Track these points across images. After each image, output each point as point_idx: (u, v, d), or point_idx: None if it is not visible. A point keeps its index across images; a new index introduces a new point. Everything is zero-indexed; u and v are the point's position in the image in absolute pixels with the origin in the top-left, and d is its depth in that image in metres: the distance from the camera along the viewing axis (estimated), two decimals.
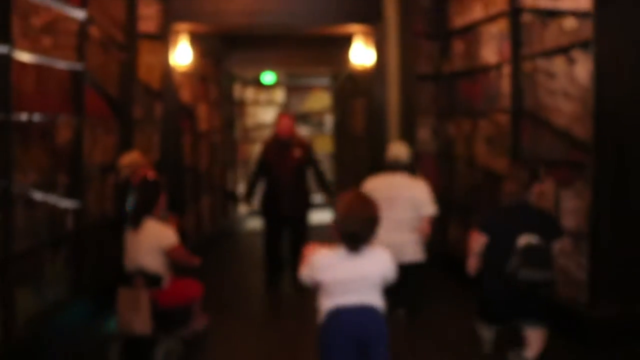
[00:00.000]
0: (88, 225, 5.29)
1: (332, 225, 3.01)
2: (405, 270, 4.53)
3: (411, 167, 5.20)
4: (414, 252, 4.98)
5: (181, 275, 4.67)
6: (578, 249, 4.71)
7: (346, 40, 8.85)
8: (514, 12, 5.44)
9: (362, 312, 3.01)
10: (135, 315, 4.15)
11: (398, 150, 5.12)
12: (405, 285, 4.51)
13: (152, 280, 4.30)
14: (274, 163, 6.37)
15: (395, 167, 5.05)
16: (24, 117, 4.33)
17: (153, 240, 4.40)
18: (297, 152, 6.37)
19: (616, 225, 4.53)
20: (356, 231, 2.94)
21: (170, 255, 4.44)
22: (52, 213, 4.81)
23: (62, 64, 4.82)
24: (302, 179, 6.42)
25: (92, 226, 5.36)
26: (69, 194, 5.01)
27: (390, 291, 3.33)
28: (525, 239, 3.96)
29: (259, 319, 5.70)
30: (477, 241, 4.26)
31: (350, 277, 2.99)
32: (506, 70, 5.64)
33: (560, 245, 4.32)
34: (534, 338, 4.11)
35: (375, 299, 3.07)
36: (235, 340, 4.95)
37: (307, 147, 6.51)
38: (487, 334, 4.45)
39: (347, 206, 2.99)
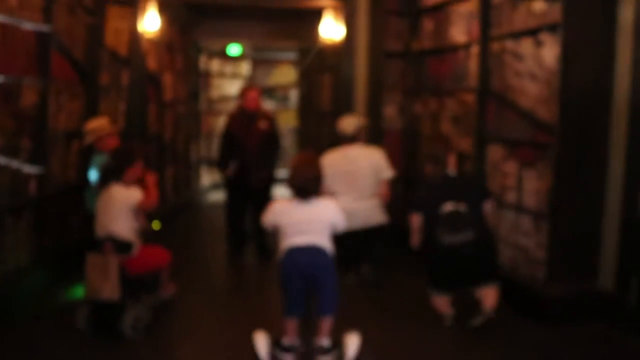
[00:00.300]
0: (51, 191, 5.23)
1: (286, 181, 3.89)
2: (372, 234, 5.40)
3: (364, 138, 5.65)
4: (378, 216, 5.44)
5: (149, 243, 4.66)
6: (538, 229, 4.83)
7: (314, 15, 8.80)
8: None
9: (311, 251, 3.81)
10: (104, 281, 4.13)
11: (344, 123, 5.57)
12: (372, 245, 5.48)
13: (122, 246, 4.28)
14: (240, 135, 6.36)
15: (343, 140, 5.50)
16: None
17: (121, 204, 4.37)
18: (262, 124, 6.39)
19: (575, 206, 4.66)
20: (304, 185, 3.82)
21: (140, 209, 4.41)
22: (15, 178, 4.74)
23: (28, 25, 4.71)
24: (267, 151, 6.42)
25: (55, 192, 5.29)
26: (32, 159, 4.94)
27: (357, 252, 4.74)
28: (447, 207, 4.41)
29: (221, 290, 5.72)
30: (415, 221, 4.67)
31: (301, 220, 3.83)
32: (474, 50, 5.70)
33: (489, 206, 4.67)
34: (485, 294, 4.45)
35: (323, 241, 3.85)
36: (200, 309, 4.96)
37: (272, 120, 6.56)
38: (440, 301, 4.64)
39: (297, 166, 3.91)
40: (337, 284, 3.90)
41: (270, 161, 6.46)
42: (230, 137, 6.44)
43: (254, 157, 6.28)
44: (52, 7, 4.98)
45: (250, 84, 8.19)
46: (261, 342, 3.89)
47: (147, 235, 4.71)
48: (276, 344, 3.92)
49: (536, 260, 4.84)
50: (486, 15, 5.49)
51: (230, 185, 6.57)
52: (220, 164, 6.56)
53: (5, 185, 4.58)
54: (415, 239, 4.70)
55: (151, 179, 4.65)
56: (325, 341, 3.88)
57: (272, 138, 6.49)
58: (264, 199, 6.23)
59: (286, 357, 3.88)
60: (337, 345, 3.91)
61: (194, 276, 5.84)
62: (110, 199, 4.37)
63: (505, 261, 5.21)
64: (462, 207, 4.40)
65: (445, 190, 4.55)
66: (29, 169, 4.91)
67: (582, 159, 4.63)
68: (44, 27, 4.90)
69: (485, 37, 5.50)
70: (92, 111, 5.86)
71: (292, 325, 3.89)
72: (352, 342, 3.89)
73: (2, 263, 4.58)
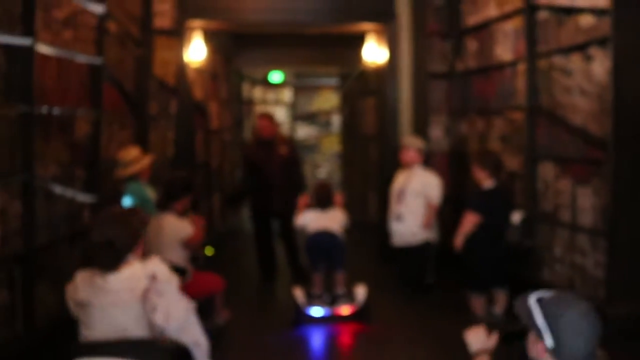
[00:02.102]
0: None
1: (308, 195, 5.85)
2: (413, 251, 5.90)
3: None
4: (421, 234, 5.84)
5: (202, 270, 4.69)
6: (595, 247, 4.72)
7: (355, 40, 8.85)
8: (529, 10, 5.44)
9: (326, 234, 5.50)
10: None
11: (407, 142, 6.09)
12: (413, 263, 5.96)
13: (176, 273, 4.30)
14: (260, 163, 6.48)
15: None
16: (44, 110, 4.35)
17: (171, 235, 4.42)
18: (282, 150, 6.52)
19: (633, 223, 4.53)
20: (322, 199, 5.66)
21: (188, 245, 4.46)
22: (70, 207, 4.83)
23: (81, 58, 4.84)
24: (289, 176, 6.49)
25: None
26: (86, 188, 5.03)
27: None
28: (518, 215, 4.93)
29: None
30: (471, 221, 4.92)
31: (321, 222, 5.55)
32: (521, 67, 5.65)
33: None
34: (502, 297, 5.06)
35: (336, 228, 5.54)
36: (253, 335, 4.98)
37: (291, 145, 6.73)
38: (479, 303, 5.05)
39: (317, 188, 5.85)
40: (345, 250, 5.58)
41: (292, 185, 6.49)
42: (251, 166, 6.57)
43: (276, 183, 6.35)
44: (104, 40, 5.10)
45: (262, 112, 8.39)
46: (298, 293, 5.39)
47: (200, 262, 4.75)
48: (308, 294, 5.47)
49: (595, 280, 4.71)
50: (532, 32, 5.45)
51: (254, 212, 6.68)
52: (230, 200, 6.77)
53: (61, 214, 4.67)
54: (460, 241, 4.95)
55: (200, 221, 4.72)
56: (340, 290, 5.55)
57: (292, 163, 6.59)
58: (290, 222, 6.25)
59: (315, 302, 5.41)
60: (350, 293, 5.49)
61: (245, 300, 5.89)
62: (161, 229, 4.43)
63: (560, 280, 5.09)
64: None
65: (503, 198, 5.08)
66: (82, 197, 5.00)
67: (639, 174, 4.51)
68: (96, 60, 5.02)
69: (532, 54, 5.45)
70: (142, 140, 5.96)
71: (318, 279, 5.58)
72: (361, 291, 5.40)
73: (60, 291, 4.65)
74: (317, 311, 5.37)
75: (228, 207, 6.88)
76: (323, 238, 5.50)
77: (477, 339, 2.41)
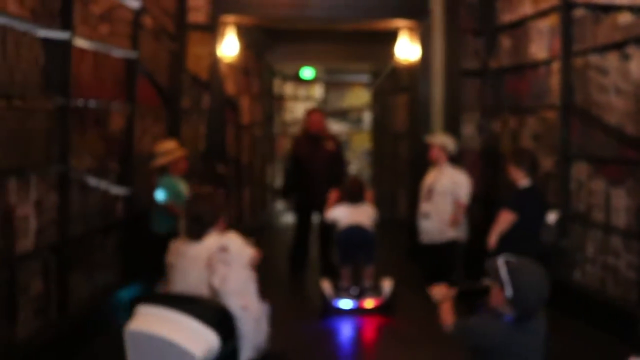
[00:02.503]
0: (137, 212, 5.38)
1: (339, 190, 5.78)
2: (440, 249, 5.80)
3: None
4: (448, 232, 5.74)
5: None
6: (629, 249, 4.65)
7: (386, 37, 8.81)
8: (566, 7, 5.38)
9: (358, 228, 5.54)
10: None
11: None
12: (439, 261, 5.81)
13: None
14: (305, 158, 6.52)
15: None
16: (80, 103, 4.43)
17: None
18: (329, 146, 6.56)
19: None
20: (353, 194, 5.66)
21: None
22: (104, 199, 4.90)
23: (117, 52, 4.91)
24: (333, 173, 6.50)
25: (140, 213, 5.44)
26: (120, 180, 5.11)
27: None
28: (553, 215, 4.68)
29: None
30: (507, 220, 4.70)
31: (352, 217, 5.58)
32: (556, 66, 5.58)
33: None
34: None
35: (367, 223, 5.58)
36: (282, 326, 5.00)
37: (337, 142, 6.76)
38: None
39: (350, 184, 5.86)
40: (375, 245, 5.67)
41: (335, 181, 6.49)
42: (296, 161, 6.61)
43: (320, 179, 6.36)
44: (139, 35, 5.17)
45: (313, 107, 8.38)
46: (326, 285, 5.49)
47: None
48: (336, 287, 5.56)
49: (627, 281, 4.65)
50: (568, 30, 5.38)
51: (297, 205, 6.76)
52: (284, 192, 6.80)
53: (96, 206, 4.75)
54: (494, 240, 4.73)
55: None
56: (367, 283, 5.61)
57: (338, 159, 6.62)
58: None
59: (342, 295, 5.49)
60: (377, 286, 5.57)
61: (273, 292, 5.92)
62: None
63: (592, 282, 5.04)
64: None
65: (540, 198, 4.83)
66: (116, 190, 5.08)
67: None
68: (131, 54, 5.09)
69: (567, 52, 5.38)
70: (174, 134, 6.02)
71: (346, 273, 5.63)
72: (387, 285, 5.48)
73: (92, 281, 4.73)
74: (344, 303, 5.43)
75: (281, 199, 6.99)
76: (355, 232, 5.55)
77: (440, 291, 3.02)
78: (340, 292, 5.54)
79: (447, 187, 5.69)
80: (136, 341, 2.92)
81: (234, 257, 3.24)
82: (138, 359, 2.92)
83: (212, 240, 3.27)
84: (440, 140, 5.87)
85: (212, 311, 3.02)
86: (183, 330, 2.86)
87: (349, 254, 5.63)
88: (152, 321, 2.93)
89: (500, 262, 2.65)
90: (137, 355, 2.92)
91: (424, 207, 5.84)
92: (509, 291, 2.54)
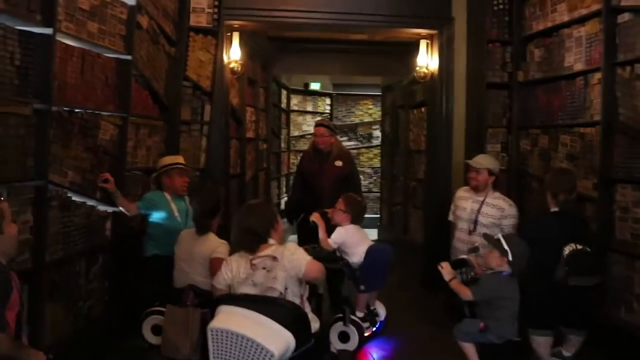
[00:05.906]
0: (128, 233, 4.84)
1: (344, 211, 5.11)
2: None
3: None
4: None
5: None
6: None
7: (398, 50, 8.38)
8: (609, 13, 4.85)
9: (383, 245, 5.52)
10: (184, 338, 3.66)
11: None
12: None
13: (204, 297, 3.81)
14: (311, 174, 5.99)
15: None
16: (64, 109, 3.90)
17: (208, 254, 4.00)
18: (338, 163, 5.96)
19: None
20: (358, 216, 5.18)
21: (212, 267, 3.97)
22: (90, 218, 4.36)
23: (108, 53, 4.39)
24: (340, 192, 5.81)
25: (132, 234, 4.89)
26: (109, 197, 4.55)
27: None
28: (567, 248, 4.10)
29: None
30: None
31: (368, 240, 5.21)
32: (596, 77, 5.04)
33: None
34: (576, 342, 4.41)
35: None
36: None
37: (349, 159, 6.14)
38: (543, 342, 4.32)
39: (353, 201, 5.20)
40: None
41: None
42: (302, 177, 6.12)
43: (326, 198, 5.68)
44: (134, 35, 4.65)
45: (321, 119, 7.73)
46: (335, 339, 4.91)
47: None
48: (351, 318, 5.03)
49: None
50: (611, 37, 4.84)
51: (302, 227, 5.98)
52: (288, 211, 6.14)
53: (80, 226, 4.20)
54: None
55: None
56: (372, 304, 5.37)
57: (348, 179, 5.96)
58: None
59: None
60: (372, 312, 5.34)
61: None
62: (200, 246, 4.02)
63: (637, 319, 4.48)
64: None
65: (564, 227, 4.33)
66: (104, 207, 4.54)
67: None
68: (124, 56, 4.57)
69: (610, 62, 4.84)
70: (172, 147, 5.49)
71: (364, 300, 5.21)
72: (381, 309, 5.39)
73: (74, 312, 4.19)
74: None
75: (289, 222, 6.29)
76: (385, 254, 5.15)
77: (448, 270, 3.97)
78: (356, 325, 5.00)
79: (495, 220, 5.01)
80: (219, 338, 3.03)
81: (286, 267, 3.28)
82: (220, 354, 3.03)
83: (266, 251, 3.35)
84: (488, 163, 5.16)
85: (290, 312, 3.14)
86: (263, 329, 3.00)
87: (376, 278, 5.12)
88: (234, 319, 3.06)
89: (500, 237, 3.88)
90: (219, 351, 3.03)
91: (469, 239, 5.09)
92: (510, 256, 3.74)
